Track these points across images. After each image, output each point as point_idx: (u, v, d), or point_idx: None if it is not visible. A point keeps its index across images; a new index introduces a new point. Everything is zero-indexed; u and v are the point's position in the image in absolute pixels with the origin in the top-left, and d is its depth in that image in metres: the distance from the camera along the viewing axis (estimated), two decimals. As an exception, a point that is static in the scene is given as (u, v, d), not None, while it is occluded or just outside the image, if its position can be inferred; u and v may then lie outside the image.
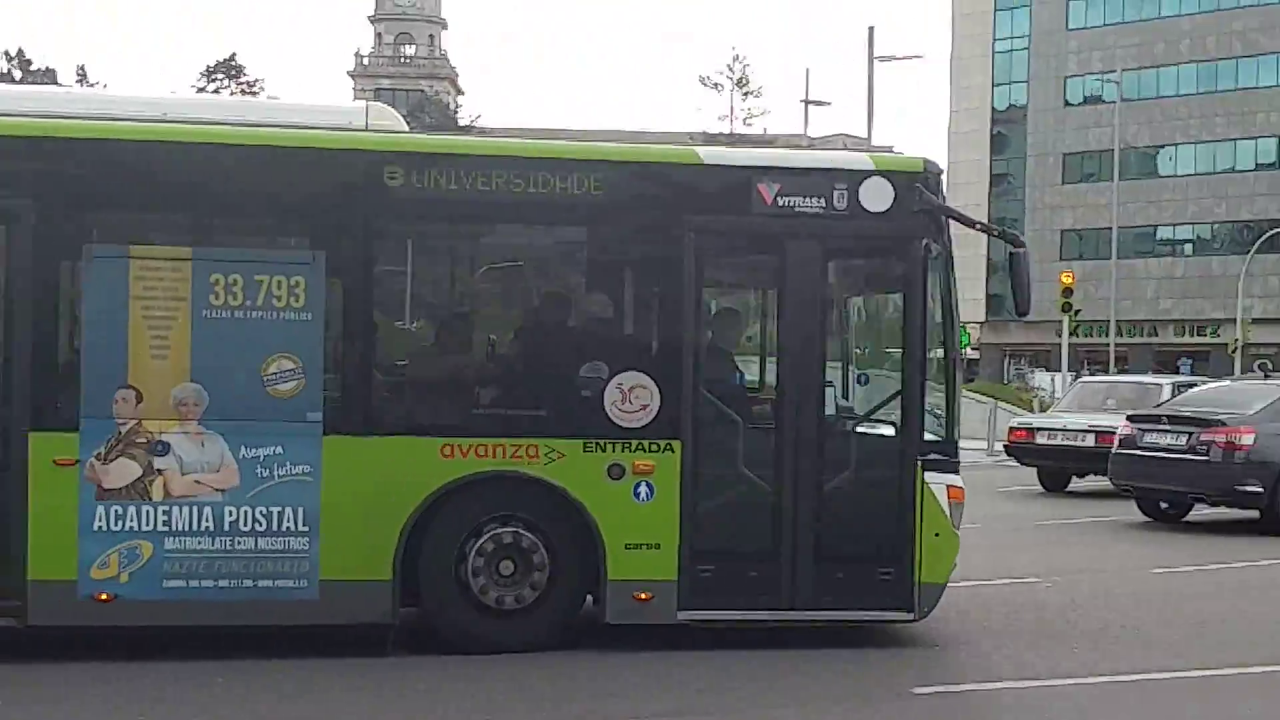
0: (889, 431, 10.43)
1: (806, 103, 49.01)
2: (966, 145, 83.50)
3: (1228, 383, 22.83)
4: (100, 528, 9.41)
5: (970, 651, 10.48)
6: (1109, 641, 10.96)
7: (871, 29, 44.30)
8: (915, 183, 10.19)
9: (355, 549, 9.66)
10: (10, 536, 9.32)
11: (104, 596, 9.43)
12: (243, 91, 66.20)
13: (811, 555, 10.14)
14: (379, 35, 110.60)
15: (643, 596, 9.99)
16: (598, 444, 9.91)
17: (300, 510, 9.58)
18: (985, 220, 12.79)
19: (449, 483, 9.76)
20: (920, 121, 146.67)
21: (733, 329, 11.01)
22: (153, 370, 9.47)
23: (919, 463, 10.19)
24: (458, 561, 9.89)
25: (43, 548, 9.34)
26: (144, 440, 9.45)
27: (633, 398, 9.93)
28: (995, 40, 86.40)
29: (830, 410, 10.46)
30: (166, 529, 9.47)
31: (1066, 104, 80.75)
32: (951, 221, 10.37)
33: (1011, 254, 10.34)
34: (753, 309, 11.47)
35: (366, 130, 10.12)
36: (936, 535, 10.23)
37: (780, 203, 10.09)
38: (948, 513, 10.27)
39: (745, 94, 60.34)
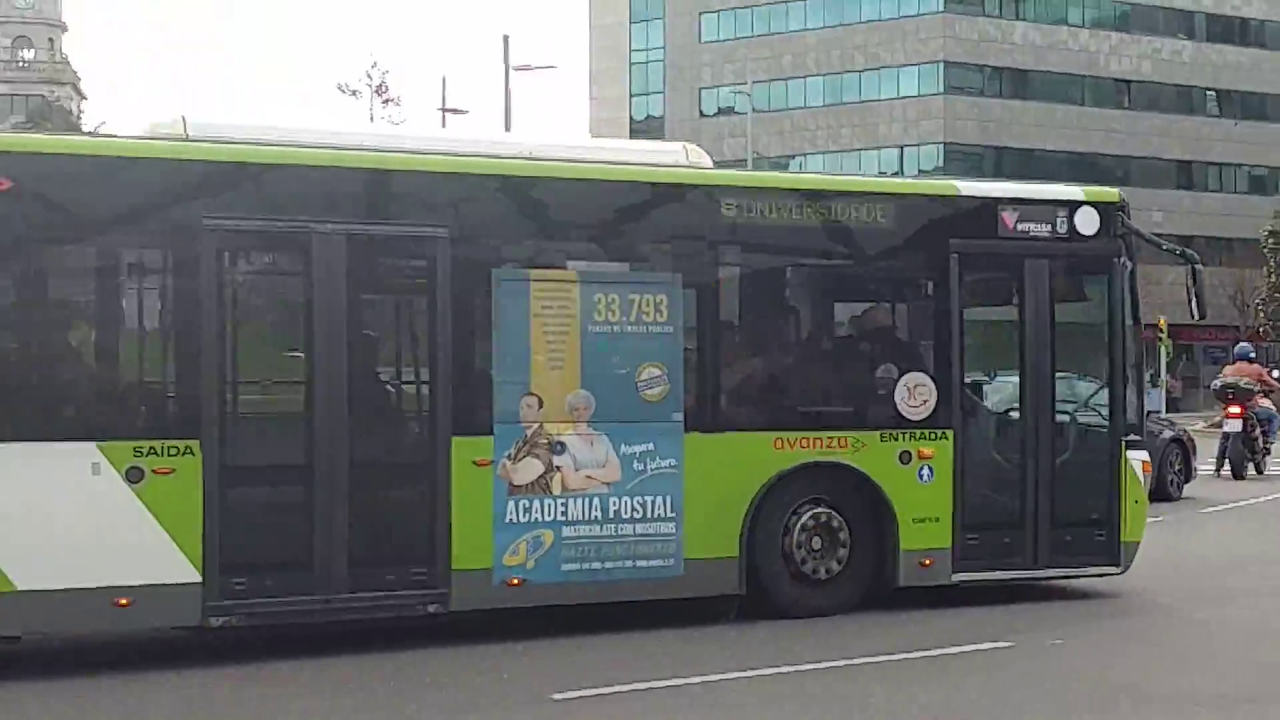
0: (1100, 417, 12.53)
1: (444, 111, 47.87)
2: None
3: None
4: (511, 520, 10.60)
5: (612, 654, 10.46)
6: (760, 638, 11.02)
7: (507, 38, 44.34)
8: (1116, 210, 12.35)
9: (711, 531, 11.16)
10: (436, 532, 10.41)
11: (515, 581, 10.63)
12: None
13: (1049, 522, 12.12)
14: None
15: (926, 563, 11.80)
16: (891, 434, 11.69)
17: (668, 499, 11.01)
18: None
19: (780, 471, 11.36)
20: (561, 131, 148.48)
21: (986, 335, 12.94)
22: (551, 379, 10.73)
23: (1123, 442, 12.34)
24: (782, 539, 11.47)
25: (464, 540, 10.45)
26: (545, 441, 10.68)
27: (916, 395, 11.74)
28: (631, 52, 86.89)
29: (1059, 401, 12.47)
30: (564, 519, 10.75)
31: (702, 115, 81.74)
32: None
33: (1193, 269, 12.61)
34: (998, 317, 13.36)
35: (688, 165, 11.58)
36: (1135, 502, 12.41)
37: (1018, 228, 12.08)
38: (1142, 482, 12.46)
39: (385, 101, 58.82)
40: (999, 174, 74.06)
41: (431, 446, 10.42)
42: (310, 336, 10.20)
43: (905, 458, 11.70)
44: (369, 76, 61.49)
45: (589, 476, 10.79)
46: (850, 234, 11.71)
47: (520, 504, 10.62)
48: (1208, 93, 79.80)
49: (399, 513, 10.54)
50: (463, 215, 10.60)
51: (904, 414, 11.71)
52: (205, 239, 9.87)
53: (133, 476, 9.53)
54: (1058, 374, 12.36)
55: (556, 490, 10.70)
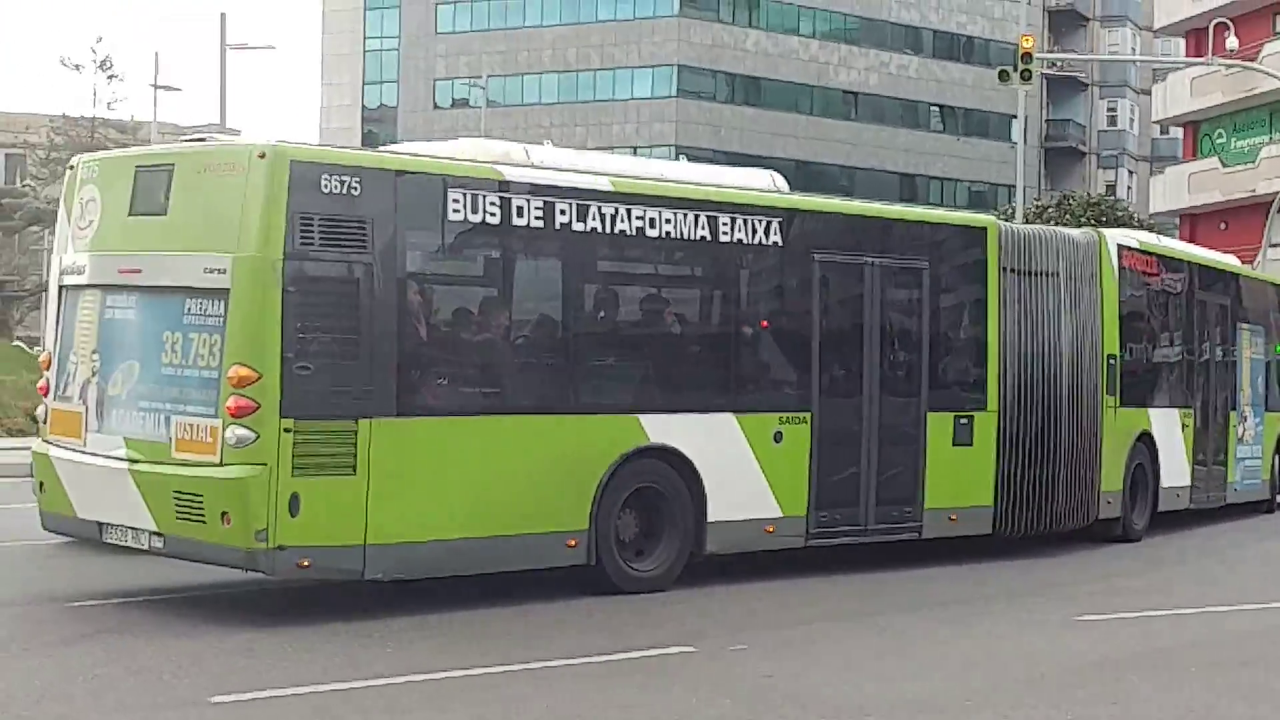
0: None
1: (156, 87, 49.40)
2: (339, 141, 77.58)
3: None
4: (1238, 456, 21.50)
5: (275, 657, 10.26)
6: (432, 644, 10.98)
7: (224, 15, 46.86)
8: None
9: (1266, 463, 22.53)
10: (1227, 464, 21.26)
11: (1236, 489, 21.25)
12: None
13: None
14: None
15: None
16: None
17: (1261, 446, 22.36)
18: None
19: None
20: (292, 115, 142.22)
21: None
22: (1244, 381, 21.82)
23: None
24: None
25: (1231, 467, 21.37)
26: (1244, 415, 21.84)
27: None
28: (366, 38, 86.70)
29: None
30: (1243, 457, 21.72)
31: (436, 106, 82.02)
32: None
33: None
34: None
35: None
36: None
37: None
38: None
39: (110, 77, 57.15)
40: (730, 180, 72.83)
41: (1225, 421, 21.07)
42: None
43: None
44: (93, 51, 60.98)
45: (1248, 433, 21.65)
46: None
47: (1240, 448, 21.35)
48: (931, 108, 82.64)
49: (1219, 450, 20.85)
50: (1243, 299, 22.18)
51: None
52: None
53: (1184, 424, 19.86)
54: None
55: (1244, 440, 21.45)
